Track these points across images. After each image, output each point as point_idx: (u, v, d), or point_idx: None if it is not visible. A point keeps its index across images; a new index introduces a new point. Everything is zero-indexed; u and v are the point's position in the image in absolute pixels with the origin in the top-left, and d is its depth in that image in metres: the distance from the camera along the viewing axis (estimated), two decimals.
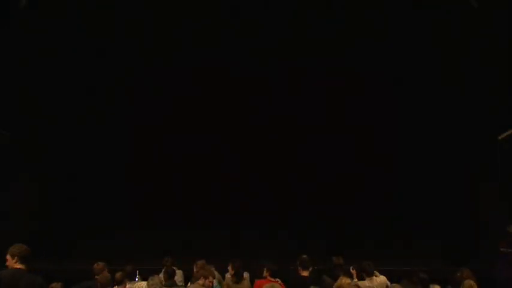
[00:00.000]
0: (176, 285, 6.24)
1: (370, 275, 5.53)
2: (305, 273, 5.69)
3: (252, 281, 6.28)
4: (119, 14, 9.46)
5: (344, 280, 5.00)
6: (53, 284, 5.09)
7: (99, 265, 5.97)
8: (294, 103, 11.04)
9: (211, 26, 9.97)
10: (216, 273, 6.50)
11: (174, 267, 6.67)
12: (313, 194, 10.84)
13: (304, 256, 5.83)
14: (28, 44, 8.76)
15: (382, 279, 5.65)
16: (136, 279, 6.39)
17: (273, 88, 10.85)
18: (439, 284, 5.58)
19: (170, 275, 6.19)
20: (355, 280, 5.69)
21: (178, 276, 7.00)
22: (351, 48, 10.52)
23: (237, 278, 6.03)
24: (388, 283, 5.80)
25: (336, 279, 5.25)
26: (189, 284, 6.01)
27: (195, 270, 6.28)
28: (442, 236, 9.77)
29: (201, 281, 5.38)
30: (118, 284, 5.63)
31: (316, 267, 6.40)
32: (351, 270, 6.10)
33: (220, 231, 10.07)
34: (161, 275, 6.24)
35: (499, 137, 7.47)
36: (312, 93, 10.96)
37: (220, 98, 11.14)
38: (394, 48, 10.41)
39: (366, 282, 5.47)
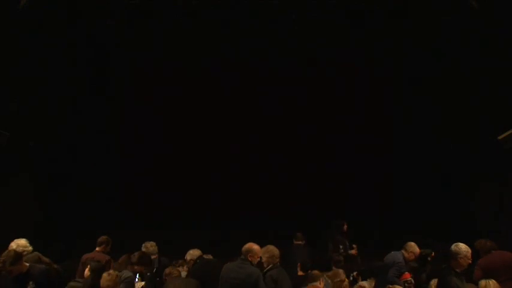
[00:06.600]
0: None
1: (369, 276, 5.59)
2: (301, 273, 6.06)
3: None
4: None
5: (341, 274, 5.08)
6: None
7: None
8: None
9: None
10: None
11: None
12: (315, 196, 10.90)
13: (307, 260, 6.28)
14: (28, 43, 8.77)
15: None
16: (136, 279, 6.38)
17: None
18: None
19: None
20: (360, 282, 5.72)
21: None
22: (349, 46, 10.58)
23: None
24: None
25: None
26: None
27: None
28: (442, 236, 9.78)
29: None
30: None
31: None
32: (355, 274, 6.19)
33: (219, 232, 10.11)
34: None
35: (499, 137, 7.45)
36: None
37: (219, 100, 11.20)
38: (394, 47, 10.44)
39: (365, 284, 5.50)
